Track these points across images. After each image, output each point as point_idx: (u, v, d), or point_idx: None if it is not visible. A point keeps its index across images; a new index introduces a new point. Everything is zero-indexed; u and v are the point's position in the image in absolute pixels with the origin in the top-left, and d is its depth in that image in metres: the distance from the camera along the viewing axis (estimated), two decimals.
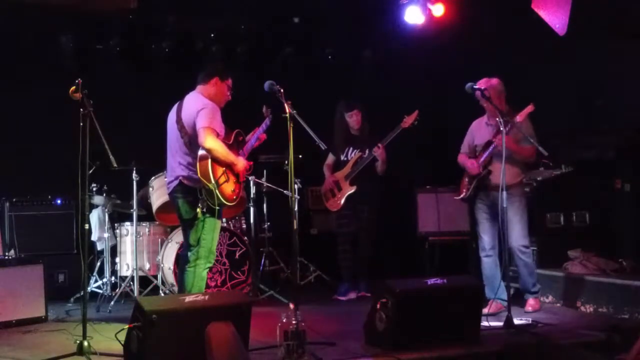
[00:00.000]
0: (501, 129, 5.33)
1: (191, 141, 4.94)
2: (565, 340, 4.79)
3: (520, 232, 5.73)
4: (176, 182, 5.02)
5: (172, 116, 5.12)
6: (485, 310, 5.31)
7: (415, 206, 7.36)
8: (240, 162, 5.08)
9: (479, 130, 5.94)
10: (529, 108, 5.52)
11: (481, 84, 5.54)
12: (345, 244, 6.85)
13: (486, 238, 5.84)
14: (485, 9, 7.04)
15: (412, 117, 6.62)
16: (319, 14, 7.87)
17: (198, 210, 4.90)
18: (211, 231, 4.99)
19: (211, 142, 4.82)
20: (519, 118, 5.52)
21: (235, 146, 5.17)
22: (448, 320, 4.62)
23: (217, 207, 4.90)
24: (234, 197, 5.04)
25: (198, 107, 4.93)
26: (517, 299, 5.94)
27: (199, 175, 4.84)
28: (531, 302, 5.80)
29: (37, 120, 7.22)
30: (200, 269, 4.97)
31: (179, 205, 5.06)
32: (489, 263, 5.82)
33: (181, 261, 5.18)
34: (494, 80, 5.70)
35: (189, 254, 5.01)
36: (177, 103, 5.15)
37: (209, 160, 4.84)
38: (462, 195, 5.96)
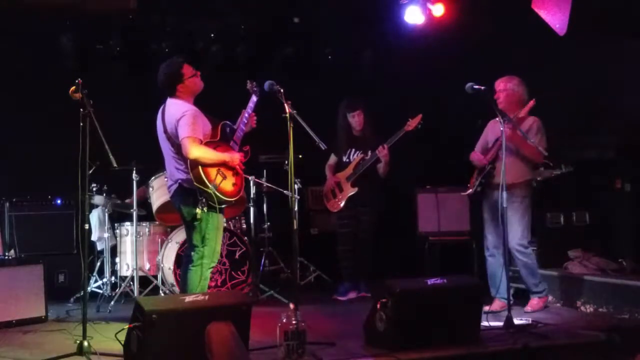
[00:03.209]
0: (501, 128, 5.34)
1: (181, 148, 4.91)
2: (565, 340, 4.80)
3: (518, 232, 5.71)
4: (176, 185, 5.02)
5: (159, 125, 5.07)
6: (487, 308, 5.34)
7: (415, 206, 7.35)
8: (234, 157, 5.04)
9: (492, 129, 5.97)
10: (530, 103, 5.66)
11: (501, 82, 5.79)
12: (346, 244, 6.84)
13: (490, 237, 5.86)
14: (485, 8, 7.04)
15: (415, 121, 6.58)
16: (319, 14, 7.86)
17: (199, 210, 4.89)
18: (215, 230, 4.97)
19: (195, 152, 4.78)
20: (521, 113, 5.63)
21: (224, 140, 5.11)
22: (448, 320, 4.62)
23: (221, 207, 4.90)
24: (237, 191, 5.02)
25: (177, 117, 4.89)
26: (519, 299, 5.96)
27: (195, 183, 4.82)
28: (533, 302, 5.80)
29: (37, 120, 7.22)
30: (204, 268, 4.96)
31: (181, 207, 5.05)
32: (492, 262, 5.82)
33: (184, 261, 5.17)
34: (504, 81, 5.84)
35: (193, 253, 4.99)
36: (161, 109, 5.09)
37: (200, 167, 4.81)
38: (468, 191, 5.98)
